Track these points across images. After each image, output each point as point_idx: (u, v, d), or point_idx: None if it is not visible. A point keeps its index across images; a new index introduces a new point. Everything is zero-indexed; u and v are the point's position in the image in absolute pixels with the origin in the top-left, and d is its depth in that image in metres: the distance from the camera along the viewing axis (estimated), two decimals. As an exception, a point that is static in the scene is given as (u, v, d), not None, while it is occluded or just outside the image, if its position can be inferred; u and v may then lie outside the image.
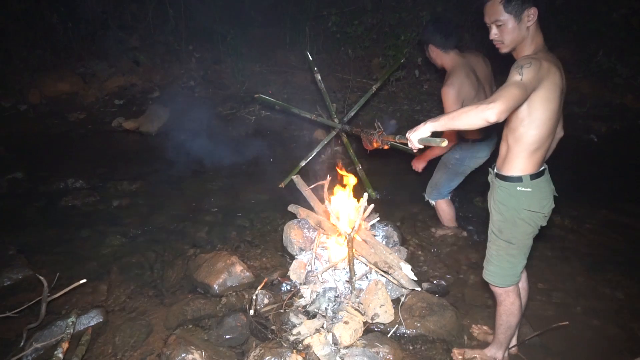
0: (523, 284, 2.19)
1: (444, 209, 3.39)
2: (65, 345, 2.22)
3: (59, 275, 2.67)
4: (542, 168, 1.86)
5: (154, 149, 5.57)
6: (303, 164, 3.93)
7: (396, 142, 2.09)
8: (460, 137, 2.93)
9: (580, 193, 4.09)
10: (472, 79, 2.74)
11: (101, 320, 2.50)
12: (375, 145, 2.35)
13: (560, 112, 1.80)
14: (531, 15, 1.71)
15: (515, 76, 1.59)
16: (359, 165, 3.98)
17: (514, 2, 1.70)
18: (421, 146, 1.79)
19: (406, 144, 1.85)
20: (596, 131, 6.10)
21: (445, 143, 1.65)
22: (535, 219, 1.85)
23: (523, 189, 1.81)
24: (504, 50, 1.81)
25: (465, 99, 2.68)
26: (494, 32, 1.79)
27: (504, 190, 1.87)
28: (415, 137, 1.75)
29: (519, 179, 1.81)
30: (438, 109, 5.95)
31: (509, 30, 1.74)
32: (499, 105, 1.50)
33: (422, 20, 6.50)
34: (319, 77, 3.90)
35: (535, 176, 1.81)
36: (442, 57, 2.81)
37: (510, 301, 2.00)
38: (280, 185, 3.94)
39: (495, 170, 1.94)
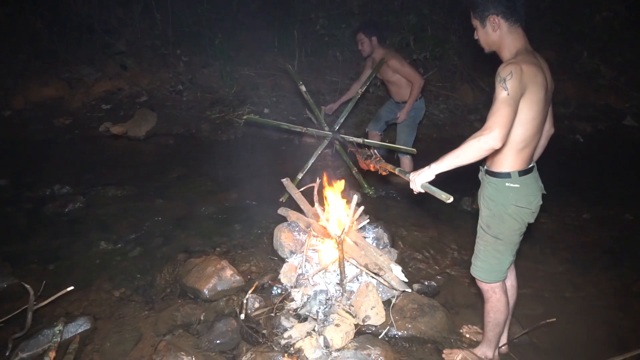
0: (512, 282, 2.22)
1: (407, 163, 4.29)
2: (52, 355, 2.18)
3: (45, 283, 2.61)
4: (531, 165, 1.91)
5: (142, 154, 5.53)
6: (300, 176, 3.89)
7: (394, 173, 2.12)
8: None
9: (567, 192, 4.15)
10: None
11: (89, 327, 2.46)
12: (371, 168, 2.40)
13: (546, 111, 1.85)
14: (495, 22, 1.81)
15: (501, 92, 1.65)
16: (354, 168, 4.01)
17: (477, 10, 1.84)
18: (422, 190, 1.82)
19: (404, 178, 1.89)
20: (581, 131, 6.21)
21: (450, 199, 1.70)
22: (522, 215, 1.88)
23: (511, 184, 1.86)
24: (485, 50, 1.94)
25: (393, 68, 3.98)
26: (474, 34, 1.94)
27: (492, 186, 1.91)
28: (420, 180, 1.80)
29: (507, 175, 1.86)
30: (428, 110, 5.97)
31: (480, 34, 1.90)
32: (498, 131, 1.60)
33: (408, 24, 6.56)
34: (304, 89, 3.88)
35: (523, 173, 1.86)
36: (377, 47, 4.02)
37: (496, 297, 2.03)
38: (280, 200, 3.83)
39: (485, 167, 1.98)
